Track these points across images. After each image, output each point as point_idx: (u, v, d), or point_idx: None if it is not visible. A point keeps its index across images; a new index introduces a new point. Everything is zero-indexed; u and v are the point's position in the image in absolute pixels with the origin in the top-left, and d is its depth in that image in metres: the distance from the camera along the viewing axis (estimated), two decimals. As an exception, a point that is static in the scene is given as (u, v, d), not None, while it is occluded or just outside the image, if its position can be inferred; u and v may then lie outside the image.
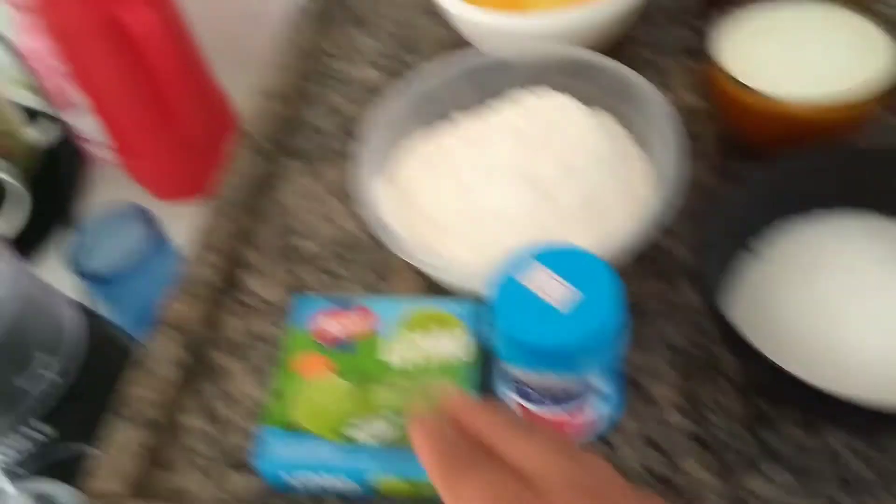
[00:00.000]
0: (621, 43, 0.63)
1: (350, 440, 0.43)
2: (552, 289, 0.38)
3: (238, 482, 0.46)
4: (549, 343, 0.37)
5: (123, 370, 0.64)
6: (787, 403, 0.44)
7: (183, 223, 0.83)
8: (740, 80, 0.49)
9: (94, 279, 0.75)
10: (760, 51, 0.52)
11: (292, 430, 0.44)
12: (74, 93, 0.90)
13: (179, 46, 0.80)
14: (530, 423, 0.33)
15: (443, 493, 0.31)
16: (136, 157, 0.89)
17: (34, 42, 0.87)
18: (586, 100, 0.54)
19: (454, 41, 0.68)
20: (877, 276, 0.43)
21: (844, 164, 0.46)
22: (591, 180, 0.49)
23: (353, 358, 0.46)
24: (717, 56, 0.51)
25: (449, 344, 0.46)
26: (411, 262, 0.49)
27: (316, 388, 0.46)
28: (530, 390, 0.41)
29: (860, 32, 0.51)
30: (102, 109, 0.85)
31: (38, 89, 0.87)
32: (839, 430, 0.43)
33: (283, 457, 0.43)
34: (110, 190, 0.96)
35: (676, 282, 0.50)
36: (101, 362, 0.60)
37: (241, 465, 0.47)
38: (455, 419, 0.33)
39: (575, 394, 0.41)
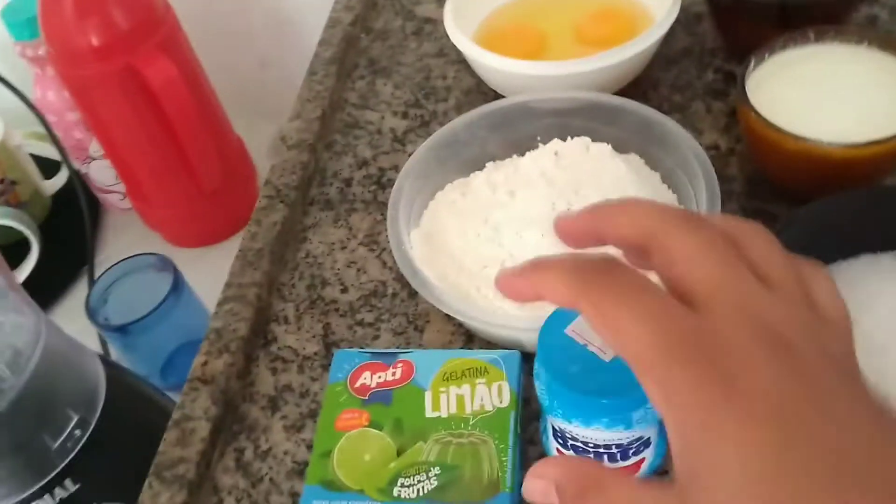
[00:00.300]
0: (648, 87, 0.64)
1: (394, 497, 0.43)
2: (598, 338, 0.38)
3: (278, 541, 0.45)
4: (600, 395, 0.37)
5: (144, 420, 0.64)
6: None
7: (199, 270, 0.83)
8: (773, 122, 0.49)
9: (113, 329, 0.75)
10: (790, 92, 0.52)
11: (335, 488, 0.43)
12: (91, 143, 0.90)
13: (197, 95, 0.80)
14: (693, 217, 0.27)
15: (594, 320, 0.26)
16: (154, 205, 0.89)
17: (50, 94, 0.88)
18: (615, 143, 0.54)
19: (477, 88, 0.68)
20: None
21: (887, 204, 0.46)
22: None
23: (392, 410, 0.46)
24: (748, 98, 0.51)
25: (488, 393, 0.45)
26: (448, 313, 0.48)
27: (356, 443, 0.45)
28: (579, 444, 0.40)
29: (891, 72, 0.51)
30: (120, 159, 0.85)
31: (54, 140, 0.87)
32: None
33: None
34: (126, 239, 0.96)
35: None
36: (121, 412, 0.59)
37: (281, 524, 0.46)
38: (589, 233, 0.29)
39: (625, 445, 0.40)
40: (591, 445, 0.40)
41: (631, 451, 0.40)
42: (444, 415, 0.45)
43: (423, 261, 0.51)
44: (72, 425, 0.55)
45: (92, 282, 0.86)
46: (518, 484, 0.43)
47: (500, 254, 0.50)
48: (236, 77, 0.99)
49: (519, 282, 0.30)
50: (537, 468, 0.29)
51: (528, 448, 0.46)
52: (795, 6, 0.60)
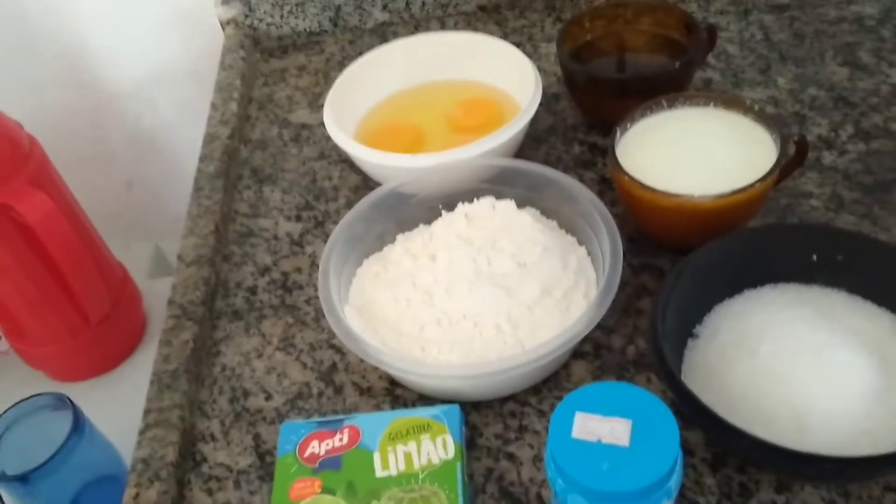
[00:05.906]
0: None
1: None
2: (606, 430, 0.37)
3: None
4: (634, 484, 0.36)
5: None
6: (756, 469, 0.48)
7: (93, 402, 0.80)
8: (646, 183, 0.55)
9: (12, 479, 0.71)
10: (653, 155, 0.58)
11: None
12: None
13: (75, 225, 0.78)
14: None
15: None
16: (35, 344, 0.85)
17: None
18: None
19: (364, 184, 0.71)
20: (810, 336, 0.48)
21: (758, 243, 0.52)
22: (544, 270, 0.53)
23: (343, 474, 0.47)
24: (621, 165, 0.56)
25: (433, 448, 0.47)
26: (402, 376, 0.50)
27: None
28: None
29: (738, 126, 0.58)
30: (-5, 302, 0.82)
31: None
32: (811, 486, 0.47)
33: None
34: (3, 386, 0.91)
35: (623, 374, 0.53)
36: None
37: None
38: None
39: None
40: None
41: None
42: (393, 473, 0.46)
43: (361, 332, 0.52)
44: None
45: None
46: None
47: (434, 313, 0.52)
48: (103, 200, 0.97)
49: None
50: None
51: (477, 496, 0.48)
52: (641, 79, 0.67)
